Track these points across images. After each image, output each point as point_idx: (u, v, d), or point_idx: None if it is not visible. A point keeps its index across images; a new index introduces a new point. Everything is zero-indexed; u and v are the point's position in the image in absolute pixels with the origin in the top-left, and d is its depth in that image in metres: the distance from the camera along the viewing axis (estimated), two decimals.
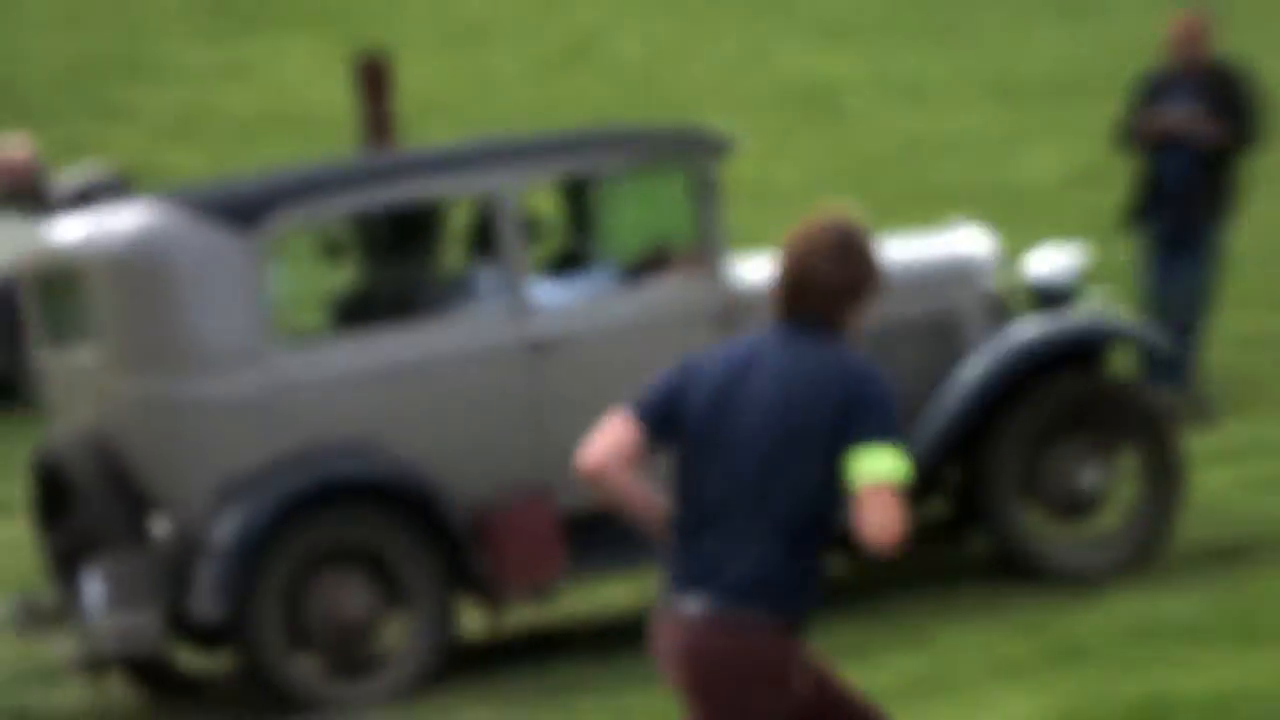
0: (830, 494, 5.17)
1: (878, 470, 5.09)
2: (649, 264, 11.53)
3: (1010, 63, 27.96)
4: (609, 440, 5.32)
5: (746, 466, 5.26)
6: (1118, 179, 16.55)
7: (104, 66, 28.72)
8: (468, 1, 29.50)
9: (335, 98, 26.94)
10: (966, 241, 11.91)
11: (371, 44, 25.96)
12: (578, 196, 11.76)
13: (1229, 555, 11.48)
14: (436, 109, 26.76)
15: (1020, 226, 21.11)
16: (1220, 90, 15.12)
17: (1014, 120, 26.06)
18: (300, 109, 27.66)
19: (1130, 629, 10.19)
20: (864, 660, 10.13)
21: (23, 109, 25.57)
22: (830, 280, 5.33)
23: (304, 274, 12.42)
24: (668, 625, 5.45)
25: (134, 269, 10.49)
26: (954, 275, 11.74)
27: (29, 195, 17.99)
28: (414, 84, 26.82)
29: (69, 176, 19.00)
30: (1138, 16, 29.52)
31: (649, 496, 5.34)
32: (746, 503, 5.25)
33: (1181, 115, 14.91)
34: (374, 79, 12.41)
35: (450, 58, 26.53)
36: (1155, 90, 15.26)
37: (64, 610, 10.92)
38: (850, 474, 5.09)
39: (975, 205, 21.87)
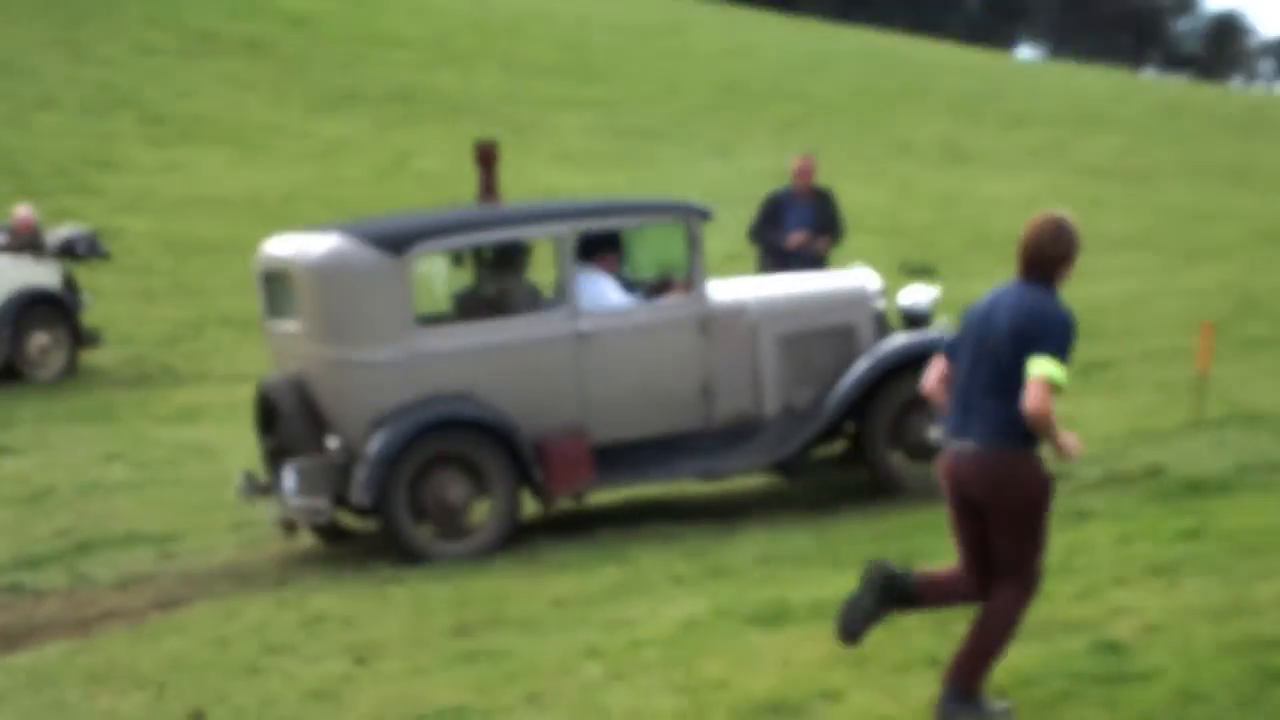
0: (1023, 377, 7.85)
1: (1041, 371, 7.73)
2: (657, 286, 14.43)
3: (679, 185, 29.86)
4: (933, 370, 8.39)
5: (994, 363, 7.95)
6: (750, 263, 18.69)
7: (85, 161, 34.05)
8: (323, 129, 31.76)
9: (242, 187, 32.41)
10: (862, 277, 14.78)
11: (266, 158, 29.42)
12: (616, 242, 14.37)
13: (828, 503, 13.84)
14: (303, 198, 31.37)
15: None
16: (823, 209, 17.98)
17: None
18: (216, 193, 32.28)
19: (760, 556, 12.05)
20: (582, 570, 12.19)
21: (29, 186, 29.99)
22: (1049, 252, 7.98)
23: (437, 278, 14.69)
24: (946, 457, 8.25)
25: (325, 274, 13.35)
26: (853, 300, 14.53)
27: (31, 244, 22.86)
28: (283, 182, 31.86)
29: (58, 233, 24.11)
30: (769, 154, 32.81)
31: (946, 397, 8.23)
32: (993, 384, 7.99)
33: (800, 237, 17.51)
34: (487, 159, 14.36)
35: (311, 167, 29.06)
36: (779, 206, 18.01)
37: (271, 487, 13.78)
38: (1026, 369, 7.75)
39: None
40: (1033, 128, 40.95)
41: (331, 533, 14.05)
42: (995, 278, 8.98)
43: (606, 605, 11.04)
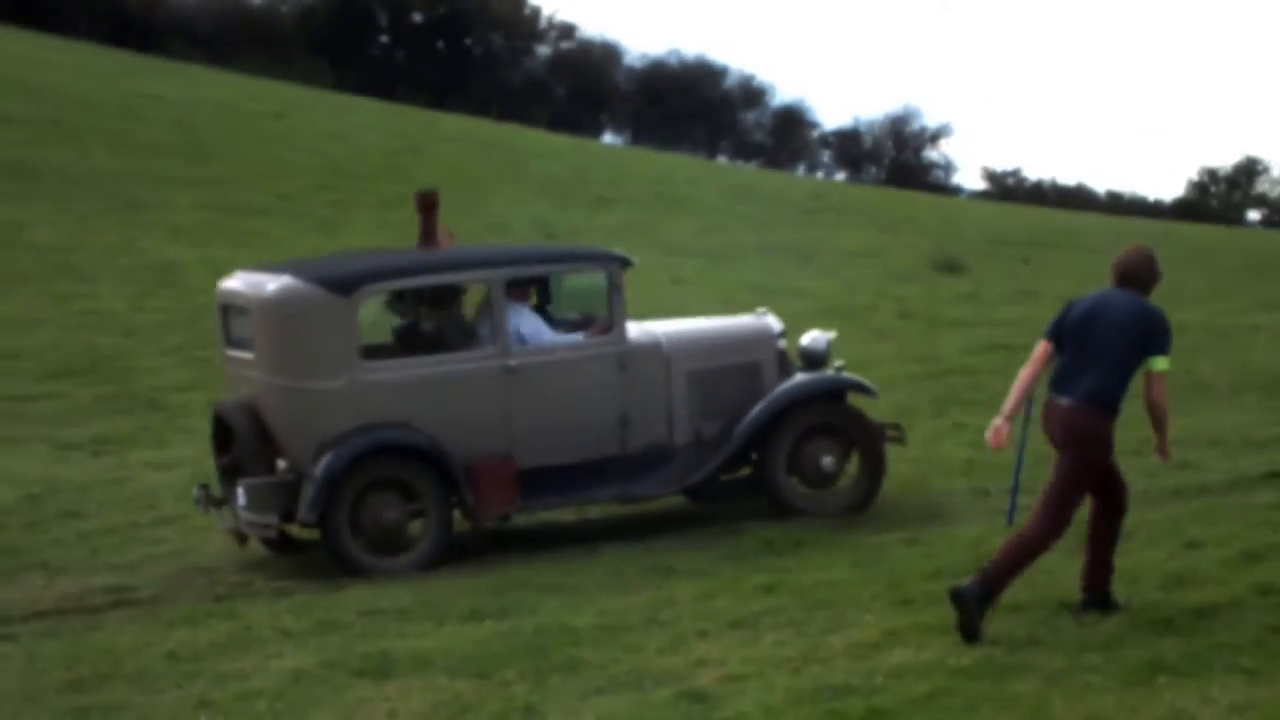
0: (1131, 363, 10.04)
1: (1162, 366, 10.06)
2: (580, 324, 14.91)
3: (284, 257, 29.69)
4: (1035, 354, 10.38)
5: (1099, 344, 10.06)
6: None
7: None
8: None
9: None
10: (766, 320, 15.39)
11: None
12: (544, 283, 15.03)
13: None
14: None
15: None
16: None
17: None
18: None
19: (364, 610, 11.99)
20: (193, 624, 12.05)
21: None
22: (1142, 271, 10.52)
23: (379, 315, 14.79)
24: (1051, 409, 10.20)
25: (277, 310, 13.75)
26: (759, 340, 15.19)
27: None
28: None
29: None
30: (370, 232, 33.45)
31: (1024, 384, 10.35)
32: (1096, 358, 10.06)
33: None
34: (428, 207, 14.78)
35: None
36: None
37: (225, 500, 14.17)
38: (1149, 365, 9.99)
39: None
40: (618, 208, 41.50)
41: (282, 544, 14.22)
42: None
43: (218, 658, 10.86)
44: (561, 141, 61.97)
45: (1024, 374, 10.37)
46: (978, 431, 17.14)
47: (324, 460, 13.45)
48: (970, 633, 9.86)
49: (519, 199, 41.36)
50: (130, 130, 43.63)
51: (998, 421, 10.37)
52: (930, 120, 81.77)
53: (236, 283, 14.54)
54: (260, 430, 13.94)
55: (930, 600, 10.85)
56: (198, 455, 17.95)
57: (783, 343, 15.21)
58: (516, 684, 9.74)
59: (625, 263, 14.62)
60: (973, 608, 9.89)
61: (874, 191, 65.38)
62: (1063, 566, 11.41)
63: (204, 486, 14.51)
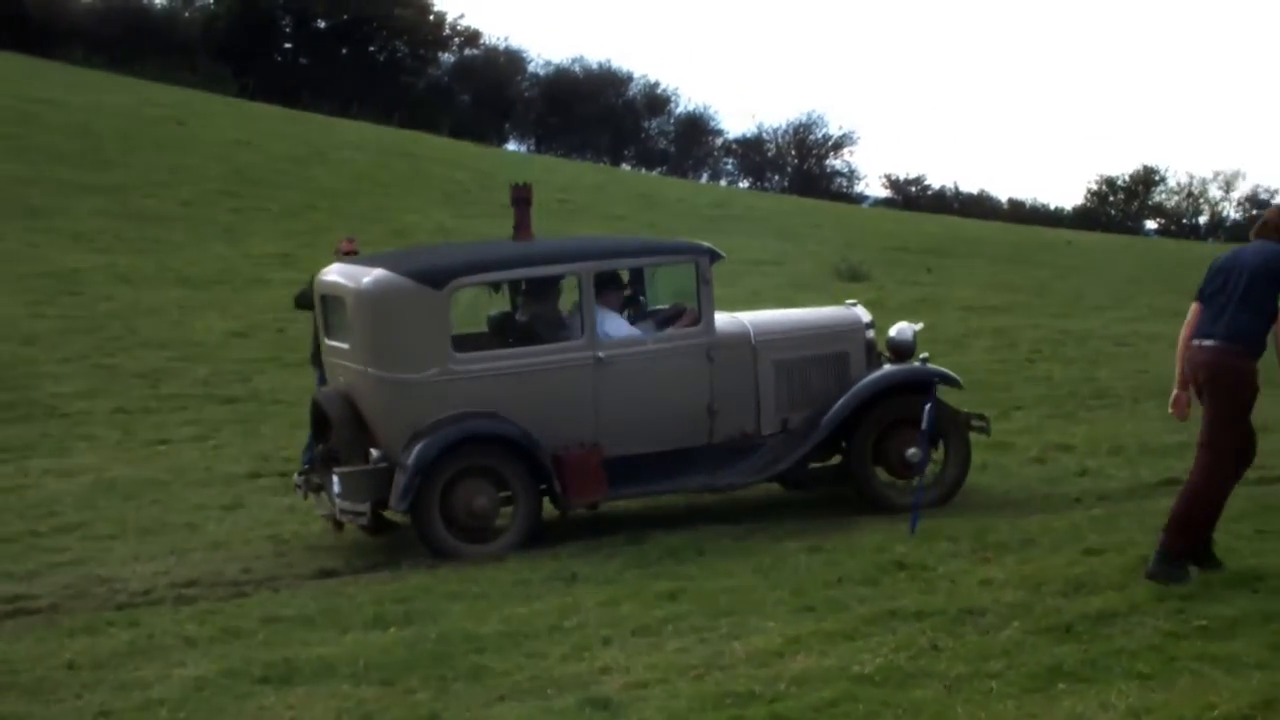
0: (1268, 303, 10.51)
1: None
2: (670, 316, 15.13)
3: (190, 266, 31.15)
4: (1188, 318, 10.87)
5: (1236, 288, 10.60)
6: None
7: None
8: None
9: None
10: (855, 311, 15.65)
11: None
12: (638, 275, 15.40)
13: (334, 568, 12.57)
14: None
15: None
16: None
17: (194, 297, 29.09)
18: None
19: (266, 617, 11.90)
20: (93, 633, 11.85)
21: None
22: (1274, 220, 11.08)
23: (473, 307, 15.23)
24: (1195, 355, 10.67)
25: (372, 303, 14.09)
26: (847, 331, 15.39)
27: None
28: None
29: None
30: (274, 239, 33.22)
31: (1182, 348, 10.82)
32: (1235, 302, 10.59)
33: None
34: (522, 201, 15.35)
35: None
36: None
37: (324, 486, 14.53)
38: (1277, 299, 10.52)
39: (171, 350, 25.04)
40: None
41: (378, 528, 14.40)
42: None
43: (118, 668, 10.74)
44: (466, 149, 61.84)
45: (1181, 338, 11.02)
46: None
47: (416, 449, 13.75)
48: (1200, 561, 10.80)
49: (423, 206, 41.31)
50: (29, 136, 43.23)
51: (1176, 392, 11.02)
52: (834, 128, 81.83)
53: (335, 275, 14.91)
54: (356, 419, 14.30)
55: (833, 607, 10.90)
56: (99, 463, 17.86)
57: (871, 334, 15.46)
58: (420, 691, 9.70)
59: (714, 255, 14.86)
60: (1172, 575, 10.60)
61: (777, 199, 65.60)
62: (965, 574, 11.49)
63: (304, 473, 15.07)
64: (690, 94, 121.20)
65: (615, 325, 14.64)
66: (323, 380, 16.59)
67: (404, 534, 14.25)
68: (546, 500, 14.25)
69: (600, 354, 14.29)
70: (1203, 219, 76.41)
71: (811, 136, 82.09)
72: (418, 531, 13.91)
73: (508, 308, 15.17)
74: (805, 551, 12.85)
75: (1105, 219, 72.75)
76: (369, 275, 14.21)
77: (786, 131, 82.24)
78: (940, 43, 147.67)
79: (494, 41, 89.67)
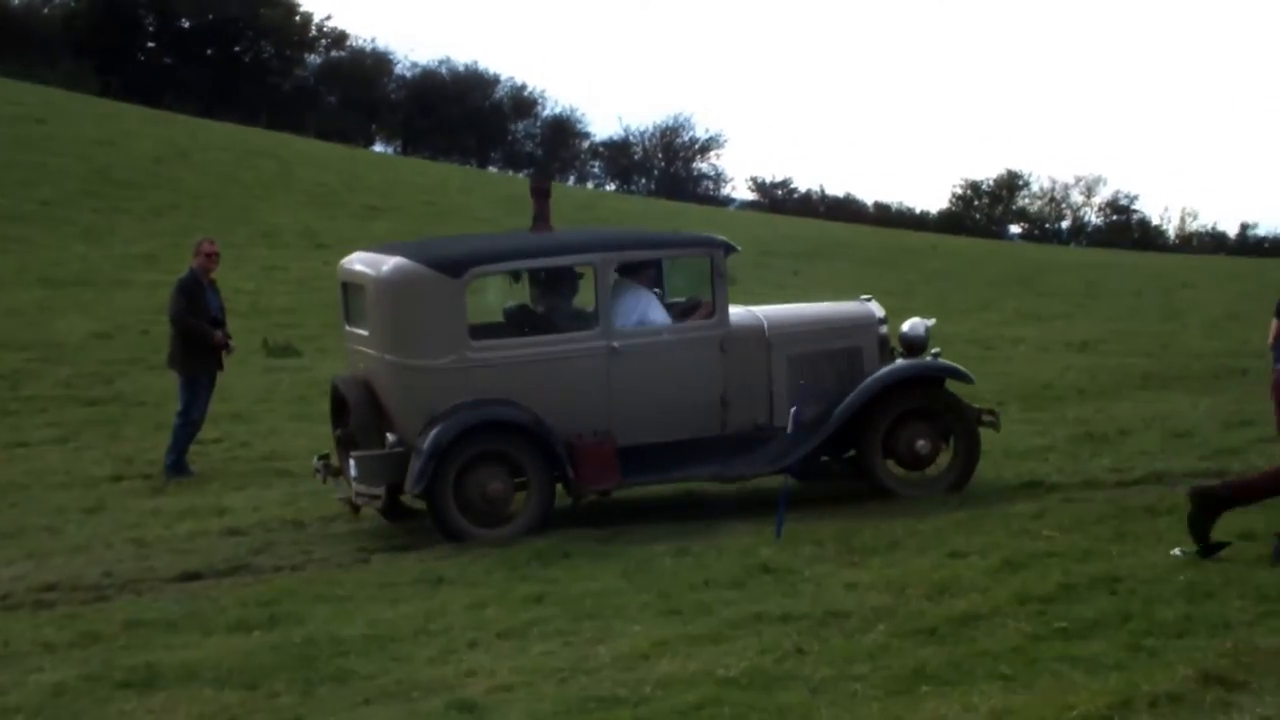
0: None
1: None
2: (685, 307, 15.36)
3: (51, 268, 30.85)
4: (1270, 332, 11.87)
5: None
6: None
7: None
8: None
9: None
10: (869, 307, 15.89)
11: None
12: (657, 266, 15.43)
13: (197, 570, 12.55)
14: None
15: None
16: (218, 292, 18.03)
17: (55, 297, 28.94)
18: None
19: (129, 621, 11.67)
20: None
21: None
22: None
23: (488, 296, 15.52)
24: (1276, 377, 11.49)
25: (391, 290, 14.43)
26: (861, 326, 15.63)
27: None
28: None
29: None
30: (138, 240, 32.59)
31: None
32: None
33: (223, 338, 17.69)
34: (541, 192, 15.89)
35: None
36: (199, 289, 17.67)
37: (342, 470, 14.88)
38: None
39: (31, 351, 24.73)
40: (389, 218, 41.18)
41: (394, 512, 14.87)
42: None
43: None
44: (332, 150, 61.40)
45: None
46: None
47: (431, 434, 13.98)
48: (1198, 534, 11.43)
49: (288, 208, 41.02)
50: None
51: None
52: (701, 131, 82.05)
53: (355, 262, 15.24)
54: (373, 404, 14.57)
55: (698, 610, 10.95)
56: None
57: (884, 329, 15.71)
58: (284, 695, 9.64)
59: (729, 249, 15.05)
60: (1212, 505, 11.48)
61: (644, 202, 65.65)
62: (830, 577, 11.56)
63: (324, 457, 15.42)
64: (558, 96, 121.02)
65: (655, 309, 14.96)
66: (189, 386, 16.92)
67: (271, 535, 14.21)
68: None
69: (615, 343, 14.56)
70: (1065, 224, 77.27)
71: (679, 139, 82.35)
72: (432, 515, 14.20)
73: (525, 300, 15.44)
74: (672, 555, 12.88)
75: (970, 223, 73.43)
76: (389, 263, 14.55)
77: (653, 134, 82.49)
78: (806, 45, 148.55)
79: (361, 43, 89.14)
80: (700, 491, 15.65)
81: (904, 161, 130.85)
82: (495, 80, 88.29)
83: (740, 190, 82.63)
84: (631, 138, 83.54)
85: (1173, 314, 28.33)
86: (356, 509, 14.73)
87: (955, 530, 13.13)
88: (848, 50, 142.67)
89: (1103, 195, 75.63)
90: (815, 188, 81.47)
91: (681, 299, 15.55)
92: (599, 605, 11.35)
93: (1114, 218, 75.95)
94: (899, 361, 15.43)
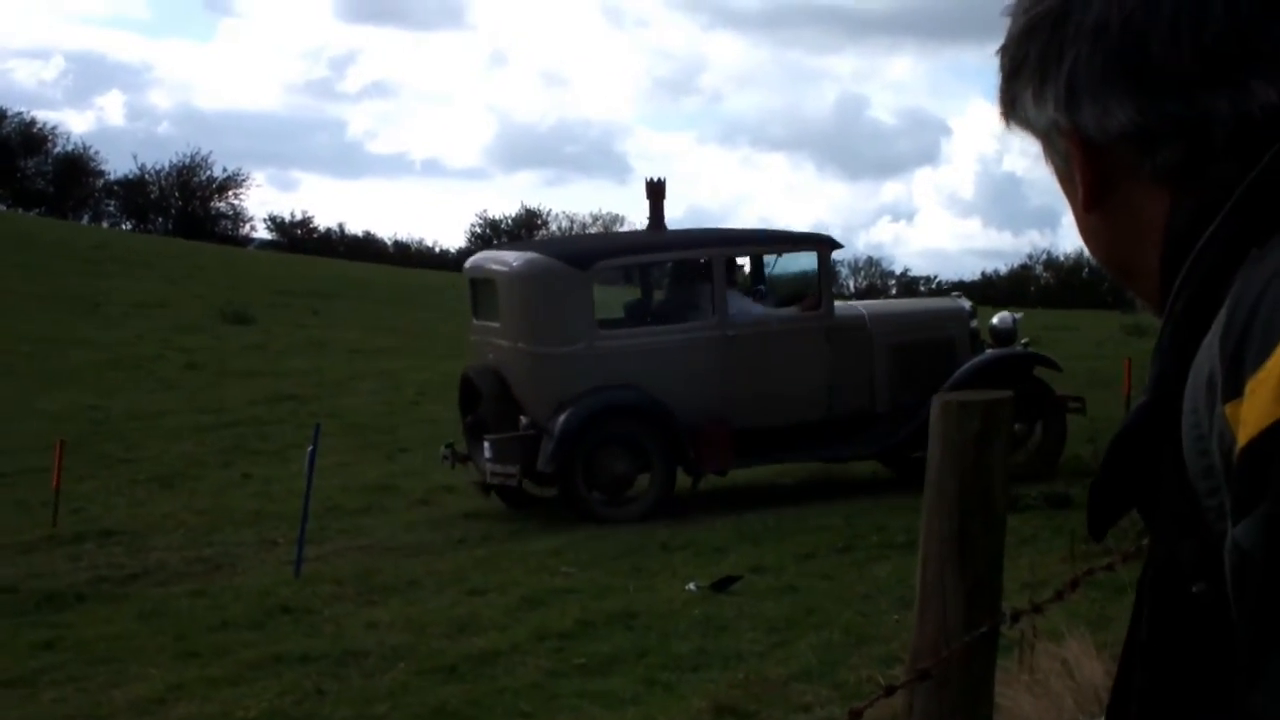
0: None
1: None
2: (791, 299, 16.58)
3: None
4: None
5: None
6: None
7: None
8: None
9: None
10: (960, 302, 17.23)
11: None
12: (760, 261, 16.98)
13: None
14: None
15: None
16: None
17: None
18: None
19: None
20: None
21: None
22: None
23: (614, 289, 16.69)
24: None
25: (524, 283, 15.34)
26: (953, 318, 16.75)
27: None
28: None
29: None
30: None
31: None
32: None
33: None
34: (656, 193, 16.70)
35: None
36: None
37: (470, 456, 15.87)
38: None
39: None
40: None
41: (517, 498, 15.82)
42: None
43: None
44: None
45: None
46: (265, 482, 17.28)
47: (562, 417, 14.93)
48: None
49: None
50: None
51: None
52: (219, 170, 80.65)
53: (485, 259, 16.61)
54: (504, 391, 15.42)
55: (217, 652, 10.74)
56: None
57: (974, 322, 16.75)
58: None
59: (835, 244, 16.38)
60: None
61: (160, 241, 64.36)
62: (350, 617, 11.47)
63: (450, 445, 16.32)
64: (72, 132, 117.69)
65: (739, 304, 16.04)
66: None
67: None
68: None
69: (730, 333, 15.56)
70: None
71: (196, 178, 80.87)
72: (562, 493, 15.28)
73: (639, 296, 16.91)
74: (189, 596, 12.63)
75: None
76: (520, 258, 15.67)
77: (170, 173, 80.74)
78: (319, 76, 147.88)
79: None
80: (220, 533, 15.27)
81: (423, 199, 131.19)
82: (3, 115, 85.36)
83: (260, 229, 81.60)
84: (148, 176, 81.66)
85: None
86: (488, 491, 15.72)
87: (474, 568, 13.19)
88: (356, 83, 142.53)
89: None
90: (335, 226, 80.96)
91: (786, 294, 16.91)
92: (113, 649, 11.02)
93: None
94: (989, 351, 16.42)
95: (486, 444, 15.17)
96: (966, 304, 17.23)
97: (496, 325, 15.73)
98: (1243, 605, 1.37)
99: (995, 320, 16.76)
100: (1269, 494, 1.32)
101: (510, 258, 15.86)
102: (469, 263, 16.94)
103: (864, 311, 16.67)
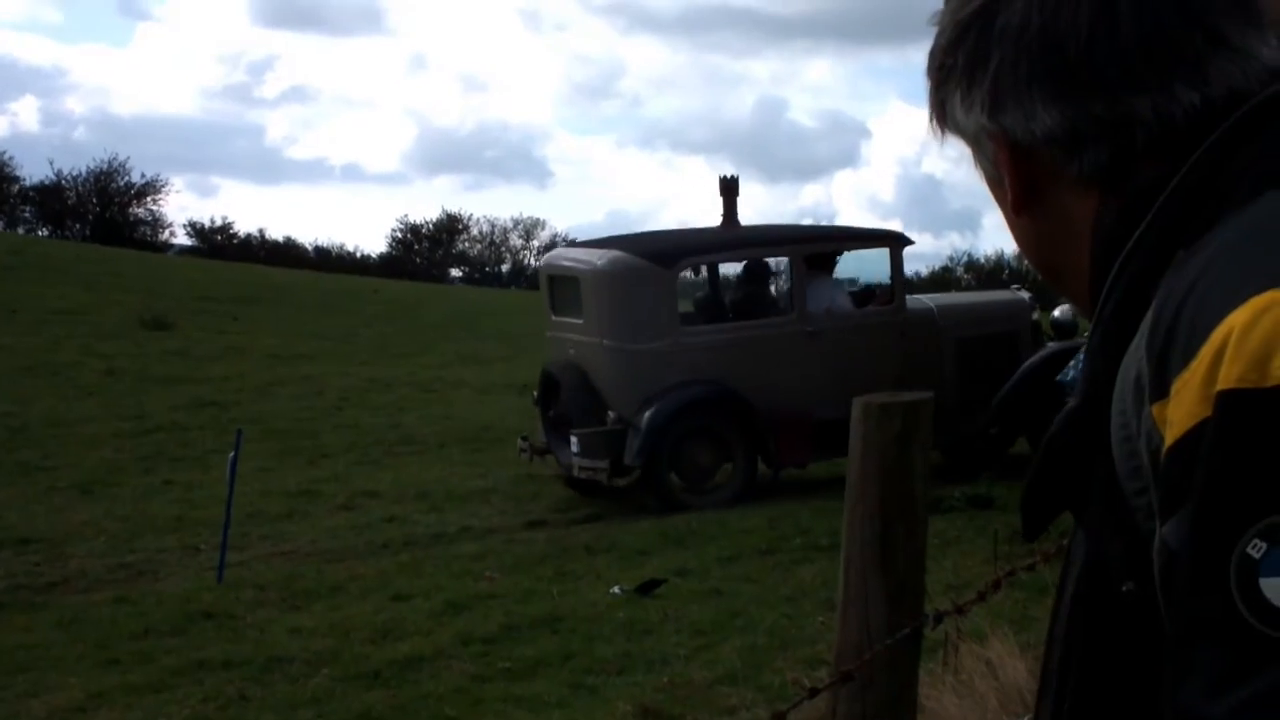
0: None
1: None
2: (865, 295, 17.12)
3: None
4: None
5: None
6: None
7: None
8: None
9: None
10: (1022, 295, 17.71)
11: None
12: (833, 259, 16.91)
13: None
14: None
15: None
16: None
17: None
18: None
19: None
20: None
21: None
22: None
23: (695, 286, 17.23)
24: None
25: (609, 280, 15.70)
26: (1017, 312, 17.17)
27: None
28: None
29: None
30: None
31: None
32: None
33: None
34: (730, 192, 17.00)
35: None
36: None
37: (548, 450, 16.39)
38: None
39: None
40: None
41: (589, 488, 16.23)
42: None
43: None
44: None
45: None
46: (187, 488, 17.16)
47: (649, 412, 15.36)
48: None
49: None
50: None
51: None
52: (137, 176, 80.00)
53: (564, 256, 17.11)
54: (586, 386, 15.83)
55: (138, 659, 10.68)
56: None
57: (1035, 315, 17.30)
58: None
59: (906, 241, 16.83)
60: None
61: (78, 248, 63.83)
62: (273, 622, 11.41)
63: (525, 438, 16.85)
64: None
65: (840, 295, 16.71)
66: None
67: None
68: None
69: (809, 328, 16.04)
70: (505, 266, 78.47)
71: (114, 184, 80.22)
72: (650, 485, 15.67)
73: (708, 292, 17.45)
74: (110, 603, 12.54)
75: (411, 266, 73.78)
76: (605, 256, 15.93)
77: (87, 179, 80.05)
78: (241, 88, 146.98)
79: None
80: (141, 539, 15.14)
81: (344, 204, 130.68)
82: None
83: (181, 235, 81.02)
84: (65, 182, 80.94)
85: None
86: (572, 483, 16.26)
87: (398, 573, 13.14)
88: (273, 91, 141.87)
89: (542, 238, 77.03)
90: (255, 232, 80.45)
91: (856, 289, 17.57)
92: (32, 658, 10.93)
93: None
94: (1051, 345, 16.65)
95: (573, 438, 15.60)
96: (1027, 297, 17.82)
97: (579, 322, 16.13)
98: (1171, 602, 1.39)
99: (1056, 313, 17.24)
100: (1194, 493, 1.35)
101: (594, 256, 16.18)
102: (545, 260, 17.53)
103: (933, 306, 17.13)
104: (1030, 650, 7.07)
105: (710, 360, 15.74)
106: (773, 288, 17.28)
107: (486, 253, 79.87)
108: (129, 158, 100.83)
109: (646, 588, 11.93)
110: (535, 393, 17.00)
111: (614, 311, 15.72)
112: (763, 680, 9.31)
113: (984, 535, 12.12)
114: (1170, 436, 1.38)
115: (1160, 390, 1.40)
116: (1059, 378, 15.73)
